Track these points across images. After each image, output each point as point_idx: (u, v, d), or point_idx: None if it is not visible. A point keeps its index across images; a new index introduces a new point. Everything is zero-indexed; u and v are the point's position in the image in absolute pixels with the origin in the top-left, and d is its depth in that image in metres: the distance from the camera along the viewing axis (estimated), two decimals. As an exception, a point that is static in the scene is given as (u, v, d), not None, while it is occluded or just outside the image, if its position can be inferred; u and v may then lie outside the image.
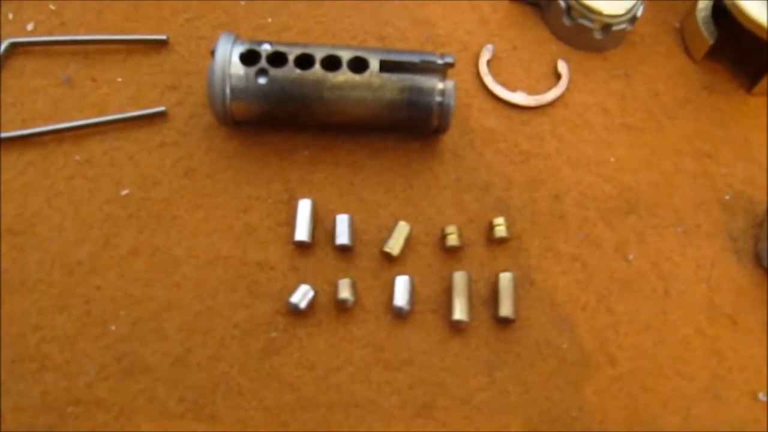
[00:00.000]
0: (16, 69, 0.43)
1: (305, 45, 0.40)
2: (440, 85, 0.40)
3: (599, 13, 0.45)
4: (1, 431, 0.35)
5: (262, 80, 0.39)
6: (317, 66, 0.40)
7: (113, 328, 0.37)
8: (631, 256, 0.41)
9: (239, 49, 0.40)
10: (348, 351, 0.38)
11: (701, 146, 0.44)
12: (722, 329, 0.39)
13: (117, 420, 0.35)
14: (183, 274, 0.39)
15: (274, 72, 0.39)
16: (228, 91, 0.39)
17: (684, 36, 0.48)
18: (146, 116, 0.42)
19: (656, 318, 0.39)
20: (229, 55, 0.39)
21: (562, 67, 0.46)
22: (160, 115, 0.43)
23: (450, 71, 0.41)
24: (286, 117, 0.41)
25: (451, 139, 0.43)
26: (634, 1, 0.45)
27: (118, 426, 0.35)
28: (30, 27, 0.45)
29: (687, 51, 0.47)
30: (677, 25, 0.48)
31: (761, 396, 0.38)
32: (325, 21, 0.46)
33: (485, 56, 0.46)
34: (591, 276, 0.40)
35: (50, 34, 0.45)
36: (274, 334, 0.38)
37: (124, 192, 0.40)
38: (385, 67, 0.40)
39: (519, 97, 0.45)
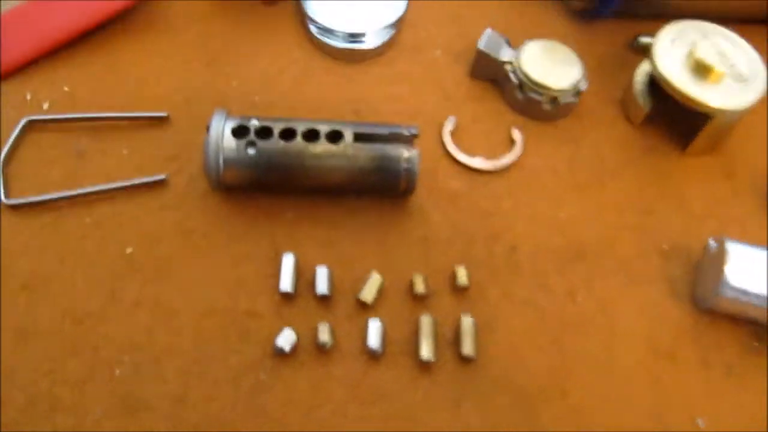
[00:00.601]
0: (33, 143, 0.49)
1: (288, 120, 0.46)
2: (406, 154, 0.46)
3: (547, 88, 0.51)
4: (17, 466, 0.39)
5: (251, 151, 0.45)
6: (299, 138, 0.45)
7: (118, 372, 0.42)
8: (579, 299, 0.46)
9: (231, 124, 0.45)
10: (328, 389, 0.42)
11: (641, 203, 0.50)
12: (663, 363, 0.44)
13: (121, 454, 0.40)
14: (181, 323, 0.43)
15: (262, 144, 0.45)
16: (221, 161, 0.45)
17: (624, 105, 0.54)
18: (149, 183, 0.48)
19: (603, 354, 0.44)
20: (222, 130, 0.45)
21: (517, 135, 0.52)
22: (161, 183, 0.48)
23: (417, 139, 0.47)
24: (273, 183, 0.47)
25: (418, 199, 0.49)
26: (578, 78, 0.51)
27: (122, 459, 0.40)
28: (45, 106, 0.51)
29: (627, 118, 0.54)
30: (618, 96, 0.55)
31: (699, 422, 0.43)
32: (307, 99, 0.53)
33: (448, 126, 0.52)
34: (544, 318, 0.45)
35: (64, 112, 0.51)
36: (262, 376, 0.42)
37: (129, 250, 0.46)
38: (358, 138, 0.46)
39: (478, 162, 0.50)
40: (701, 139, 0.51)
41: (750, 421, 0.43)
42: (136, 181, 0.48)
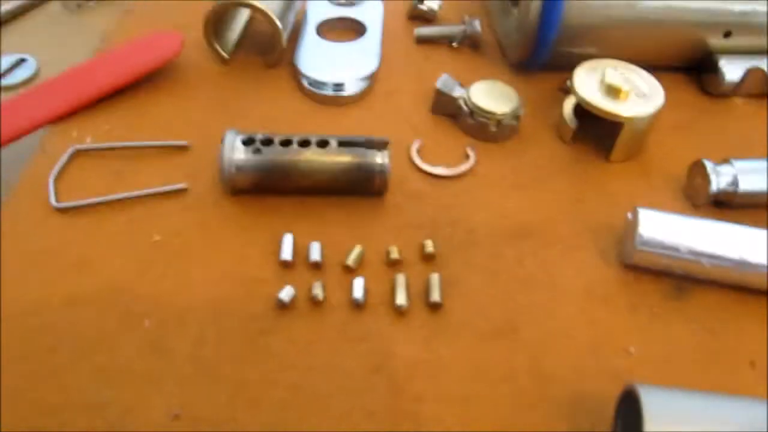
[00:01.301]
0: (79, 166, 0.61)
1: (286, 134, 0.58)
2: (379, 156, 0.58)
3: (492, 113, 0.64)
4: (66, 395, 0.47)
5: (257, 156, 0.57)
6: (295, 145, 0.57)
7: (147, 323, 0.51)
8: (526, 264, 0.56)
9: (241, 137, 0.57)
10: (321, 331, 0.51)
11: (574, 195, 0.61)
12: (597, 308, 0.53)
13: (149, 383, 0.48)
14: (198, 288, 0.53)
15: (265, 150, 0.57)
16: (233, 164, 0.56)
17: (557, 129, 0.67)
18: (172, 191, 0.59)
19: (547, 303, 0.53)
20: (234, 140, 0.57)
21: (470, 151, 0.64)
22: (183, 191, 0.59)
23: (390, 155, 0.58)
24: (273, 182, 0.58)
25: (392, 197, 0.60)
26: (516, 105, 0.65)
27: (150, 386, 0.47)
28: (89, 140, 0.63)
29: (560, 138, 0.66)
30: (552, 122, 0.68)
31: (631, 349, 0.51)
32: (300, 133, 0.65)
33: (415, 146, 0.64)
34: (497, 278, 0.55)
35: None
36: (266, 323, 0.51)
37: (156, 238, 0.56)
38: (341, 144, 0.58)
39: (440, 170, 0.62)
40: (619, 146, 0.63)
41: (673, 349, 0.51)
42: (162, 189, 0.59)
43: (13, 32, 0.80)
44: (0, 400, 0.46)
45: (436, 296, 0.52)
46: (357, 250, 0.55)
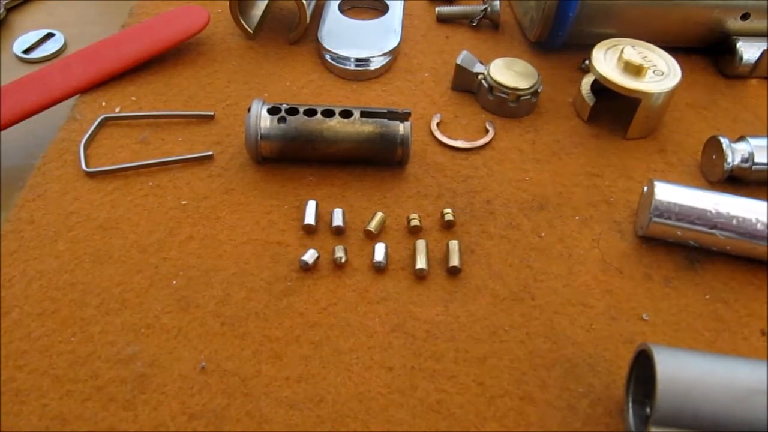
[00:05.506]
0: (107, 134, 0.62)
1: (310, 104, 0.60)
2: (401, 126, 0.59)
3: (512, 88, 0.65)
4: (95, 347, 0.49)
5: (282, 125, 0.58)
6: (319, 114, 0.59)
7: (174, 282, 0.52)
8: (543, 234, 0.57)
9: (266, 106, 0.59)
10: (342, 292, 0.52)
11: (591, 170, 0.62)
12: (612, 277, 0.54)
13: (176, 337, 0.49)
14: (224, 250, 0.54)
15: (290, 119, 0.58)
16: (259, 132, 0.58)
17: (575, 105, 0.68)
18: (199, 158, 0.61)
19: (563, 271, 0.55)
20: (260, 109, 0.59)
21: (490, 125, 0.65)
22: (209, 158, 0.61)
23: (411, 129, 0.59)
24: (297, 151, 0.59)
25: (412, 168, 0.61)
26: (535, 81, 0.66)
27: (177, 340, 0.49)
28: (117, 110, 0.65)
29: (578, 116, 0.67)
30: (570, 99, 0.69)
31: (645, 316, 0.52)
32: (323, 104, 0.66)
33: (435, 120, 0.65)
34: (514, 247, 0.56)
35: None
36: (289, 283, 0.52)
37: (183, 202, 0.57)
38: (364, 114, 0.59)
39: (459, 143, 0.63)
40: (636, 123, 0.64)
41: (685, 316, 0.52)
42: (189, 156, 0.61)
43: (41, 8, 0.82)
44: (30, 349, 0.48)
45: (455, 261, 0.53)
46: (378, 216, 0.56)
